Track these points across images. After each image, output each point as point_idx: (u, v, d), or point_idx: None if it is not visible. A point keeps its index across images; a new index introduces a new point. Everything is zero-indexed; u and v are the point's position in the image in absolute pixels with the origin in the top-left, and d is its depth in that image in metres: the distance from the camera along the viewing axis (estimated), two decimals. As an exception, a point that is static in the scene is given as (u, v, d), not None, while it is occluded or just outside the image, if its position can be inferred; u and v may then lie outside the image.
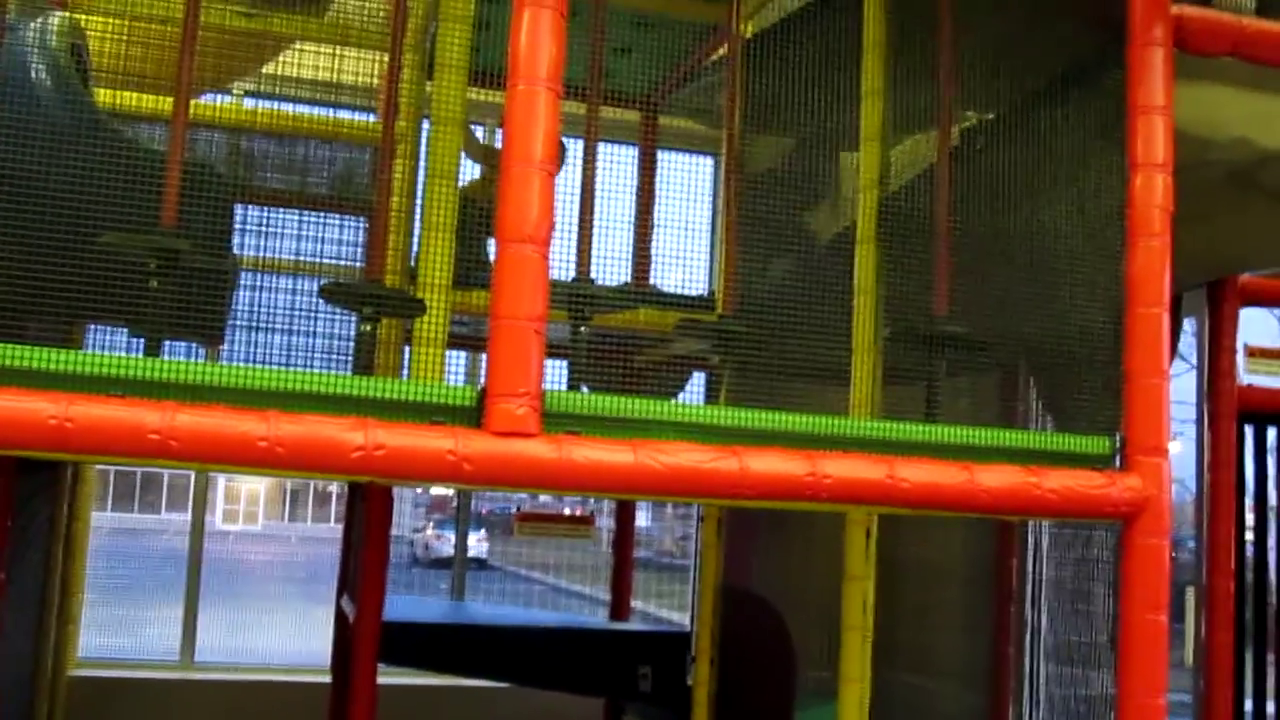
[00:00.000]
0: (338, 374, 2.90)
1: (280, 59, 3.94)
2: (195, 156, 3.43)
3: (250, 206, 3.50)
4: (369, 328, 3.25)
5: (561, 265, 3.32)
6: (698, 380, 4.25)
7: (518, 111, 2.86)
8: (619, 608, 6.77)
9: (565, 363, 3.43)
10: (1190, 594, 5.90)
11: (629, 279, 4.41)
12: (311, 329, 3.24)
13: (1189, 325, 6.07)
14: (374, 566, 4.43)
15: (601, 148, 3.68)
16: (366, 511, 4.62)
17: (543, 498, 10.94)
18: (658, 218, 4.64)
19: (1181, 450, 5.94)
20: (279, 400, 2.72)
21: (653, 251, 4.59)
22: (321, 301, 3.28)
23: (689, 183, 4.32)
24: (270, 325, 3.24)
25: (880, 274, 3.84)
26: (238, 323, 3.27)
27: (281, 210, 3.47)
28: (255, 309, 3.27)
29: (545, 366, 2.88)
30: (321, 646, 6.51)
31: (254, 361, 3.12)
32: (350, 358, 3.27)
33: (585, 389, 3.32)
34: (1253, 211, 4.49)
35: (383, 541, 4.50)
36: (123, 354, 2.77)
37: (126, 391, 2.62)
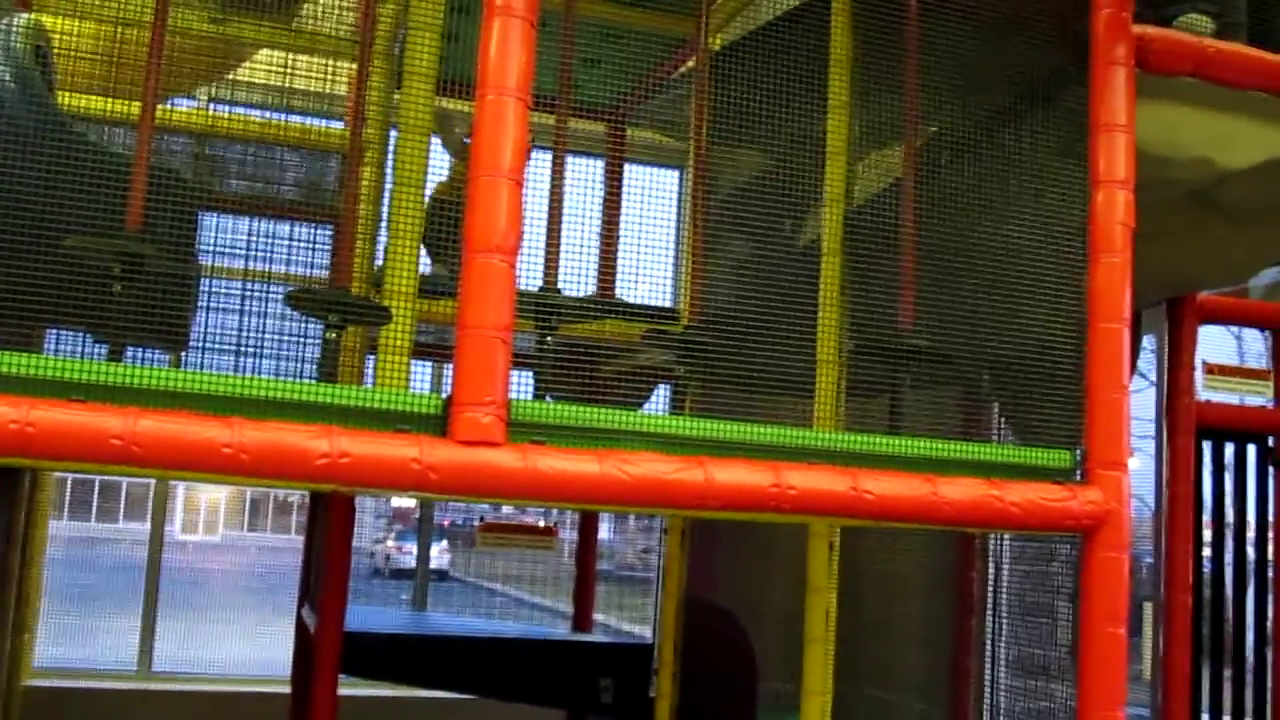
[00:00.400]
0: (302, 381, 2.88)
1: (248, 65, 3.93)
2: (160, 161, 3.41)
3: (215, 212, 3.49)
4: (334, 335, 3.24)
5: (528, 275, 3.33)
6: (661, 392, 4.26)
7: (487, 121, 2.86)
8: (581, 620, 6.76)
9: (531, 373, 3.43)
10: (1148, 609, 5.96)
11: (595, 289, 4.42)
12: (276, 335, 3.22)
13: (1148, 342, 6.13)
14: (335, 576, 4.41)
15: (568, 159, 3.69)
16: (328, 521, 4.60)
17: (505, 510, 10.91)
18: (624, 229, 4.64)
19: (1140, 466, 5.99)
20: (243, 407, 2.71)
21: (619, 262, 4.59)
22: (286, 308, 3.26)
23: (655, 195, 4.33)
24: (234, 332, 3.22)
25: (844, 287, 3.86)
26: (200, 328, 3.25)
27: (247, 217, 3.45)
28: (219, 314, 3.25)
29: (511, 376, 2.88)
30: (281, 657, 6.46)
31: (217, 368, 3.11)
32: (315, 365, 3.25)
33: (550, 399, 3.32)
34: (1211, 230, 4.54)
35: (344, 551, 4.48)
36: (84, 358, 2.74)
37: (88, 397, 2.60)
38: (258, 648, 9.02)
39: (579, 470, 2.87)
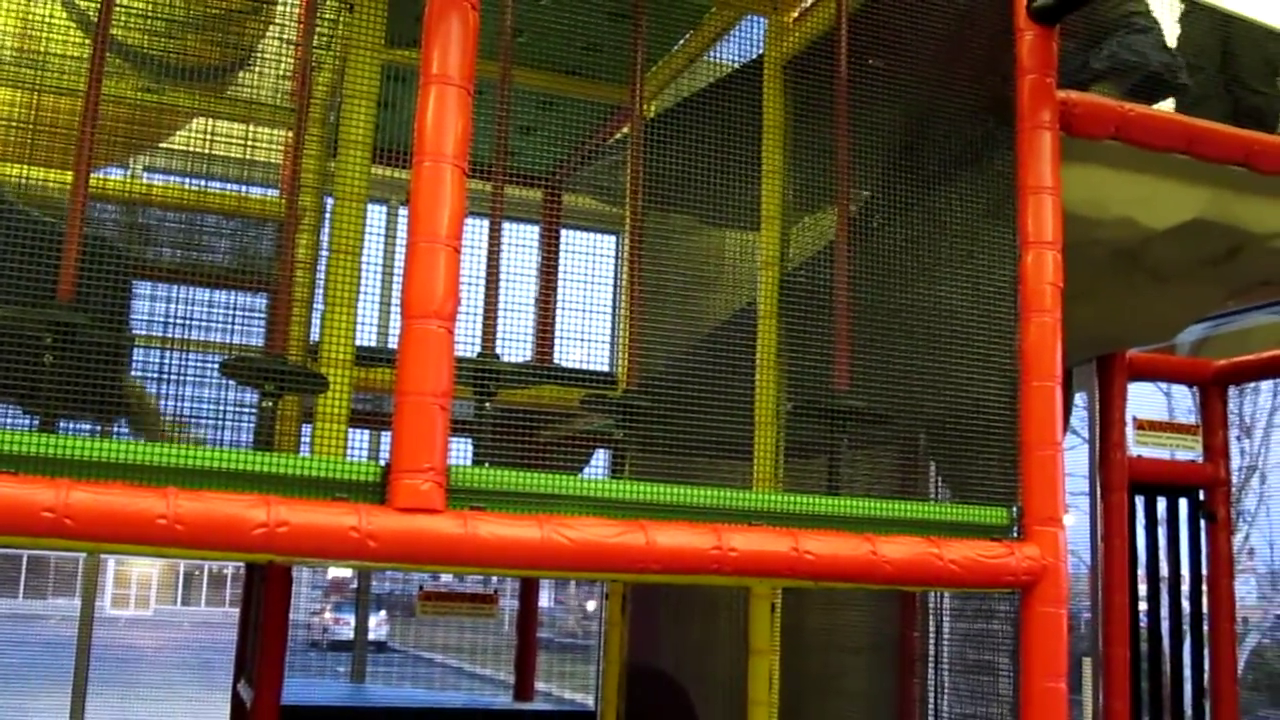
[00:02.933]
0: (239, 450, 2.85)
1: (182, 134, 3.92)
2: (93, 230, 3.38)
3: (149, 281, 3.46)
4: (270, 404, 3.21)
5: (466, 342, 3.32)
6: (600, 457, 4.25)
7: (424, 188, 2.87)
8: (523, 688, 6.69)
9: (469, 440, 3.42)
10: (1087, 664, 5.99)
11: (533, 355, 4.42)
12: (211, 404, 3.19)
13: (1080, 399, 6.22)
14: (272, 649, 4.34)
15: (505, 226, 3.70)
16: (265, 593, 4.53)
17: (444, 578, 10.80)
18: (561, 295, 4.66)
19: (1075, 522, 6.04)
20: (178, 477, 2.67)
21: (556, 328, 4.60)
22: (222, 377, 3.23)
23: (592, 260, 4.35)
24: (168, 400, 3.18)
25: (781, 349, 3.90)
26: (134, 400, 3.21)
27: (181, 286, 3.43)
28: (152, 383, 3.21)
29: (450, 443, 2.87)
30: (216, 734, 6.32)
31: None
32: (251, 434, 3.22)
33: (489, 465, 3.31)
34: (1138, 289, 4.64)
35: (281, 624, 4.42)
36: (13, 429, 2.69)
37: (19, 469, 2.55)
38: (192, 726, 8.84)
39: (519, 536, 2.85)
